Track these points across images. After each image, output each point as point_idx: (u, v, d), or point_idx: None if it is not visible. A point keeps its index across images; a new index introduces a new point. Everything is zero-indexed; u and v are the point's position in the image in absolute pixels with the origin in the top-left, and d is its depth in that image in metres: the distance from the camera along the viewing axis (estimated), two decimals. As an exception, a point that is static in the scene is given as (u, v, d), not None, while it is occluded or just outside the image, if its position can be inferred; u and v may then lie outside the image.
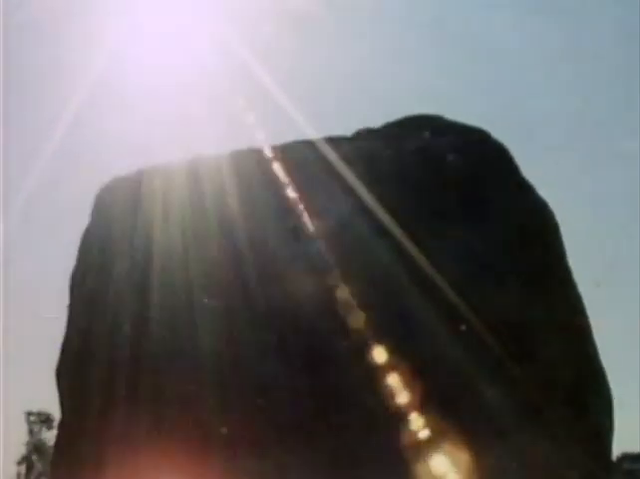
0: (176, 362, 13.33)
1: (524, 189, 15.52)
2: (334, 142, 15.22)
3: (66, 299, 15.42)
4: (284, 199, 14.31)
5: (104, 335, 14.25)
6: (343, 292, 13.29)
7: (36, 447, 47.02)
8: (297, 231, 14.01)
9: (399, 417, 12.55)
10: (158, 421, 12.92)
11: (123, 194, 15.63)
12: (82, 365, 14.62)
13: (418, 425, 12.63)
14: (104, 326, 14.25)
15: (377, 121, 16.61)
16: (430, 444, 12.56)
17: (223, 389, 12.88)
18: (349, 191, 14.20)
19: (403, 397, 12.64)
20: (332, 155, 14.73)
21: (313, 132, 15.62)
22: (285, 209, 14.20)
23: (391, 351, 12.80)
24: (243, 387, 12.95)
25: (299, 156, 14.87)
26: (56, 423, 16.76)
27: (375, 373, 12.67)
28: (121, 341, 13.87)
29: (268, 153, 15.07)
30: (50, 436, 44.00)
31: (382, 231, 13.92)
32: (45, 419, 46.90)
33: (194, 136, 19.84)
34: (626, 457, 29.82)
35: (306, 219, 14.11)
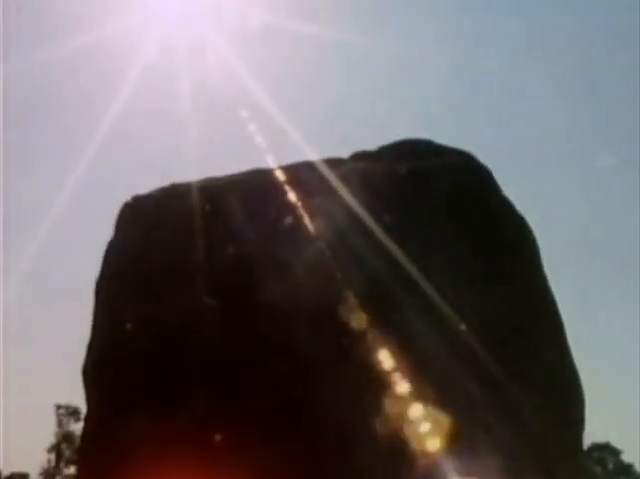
0: (188, 362, 13.12)
1: (505, 204, 15.38)
2: (332, 162, 15.12)
3: (91, 305, 15.30)
4: (288, 212, 14.15)
5: (122, 339, 14.12)
6: (344, 295, 13.10)
7: (64, 437, 46.73)
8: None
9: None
10: (169, 419, 12.71)
11: (142, 210, 15.54)
12: (104, 365, 14.47)
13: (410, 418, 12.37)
14: (121, 330, 14.09)
15: (372, 144, 16.51)
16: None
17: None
18: (345, 207, 14.02)
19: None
20: (330, 174, 14.61)
21: (314, 154, 15.51)
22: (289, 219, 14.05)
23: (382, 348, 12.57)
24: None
25: (303, 176, 14.72)
26: (82, 416, 16.55)
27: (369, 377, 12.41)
28: (137, 343, 13.72)
29: (276, 173, 14.96)
30: (77, 428, 43.70)
31: (376, 242, 13.76)
32: (72, 412, 46.63)
33: (208, 157, 19.68)
34: (595, 447, 29.74)
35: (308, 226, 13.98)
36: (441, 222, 14.42)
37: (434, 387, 12.34)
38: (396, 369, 12.33)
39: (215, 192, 14.76)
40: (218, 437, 12.30)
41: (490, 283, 13.86)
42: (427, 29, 58.06)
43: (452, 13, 62.34)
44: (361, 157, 16.00)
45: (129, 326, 13.86)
